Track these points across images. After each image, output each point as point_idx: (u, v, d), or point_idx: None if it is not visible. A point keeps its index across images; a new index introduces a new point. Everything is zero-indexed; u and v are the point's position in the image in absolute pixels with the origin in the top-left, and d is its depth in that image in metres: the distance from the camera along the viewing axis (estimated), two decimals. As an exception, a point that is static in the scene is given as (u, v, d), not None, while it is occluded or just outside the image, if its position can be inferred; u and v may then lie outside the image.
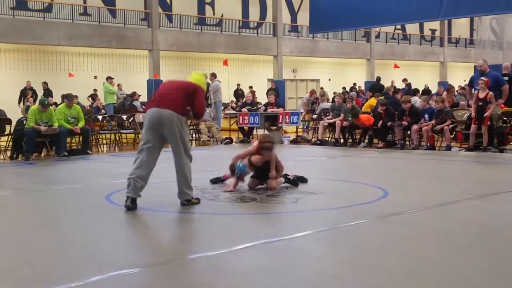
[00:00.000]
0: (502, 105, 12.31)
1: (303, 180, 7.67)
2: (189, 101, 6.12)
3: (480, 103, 11.51)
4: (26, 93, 21.40)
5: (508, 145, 11.96)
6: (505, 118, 12.16)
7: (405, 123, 12.56)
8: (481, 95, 11.53)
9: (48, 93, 21.57)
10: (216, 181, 7.74)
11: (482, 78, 11.80)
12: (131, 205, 5.90)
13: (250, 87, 27.48)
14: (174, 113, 5.97)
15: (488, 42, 27.53)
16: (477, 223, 5.41)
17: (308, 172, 8.21)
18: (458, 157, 11.15)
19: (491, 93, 11.47)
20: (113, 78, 20.98)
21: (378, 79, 22.03)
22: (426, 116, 12.40)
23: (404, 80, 24.95)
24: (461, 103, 14.33)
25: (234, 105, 24.01)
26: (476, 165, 10.32)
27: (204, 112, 6.54)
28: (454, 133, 12.71)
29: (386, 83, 23.90)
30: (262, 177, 7.30)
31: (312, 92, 24.60)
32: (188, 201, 6.17)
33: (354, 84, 31.81)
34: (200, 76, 6.57)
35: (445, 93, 15.53)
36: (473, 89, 12.23)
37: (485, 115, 11.37)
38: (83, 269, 4.07)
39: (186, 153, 6.26)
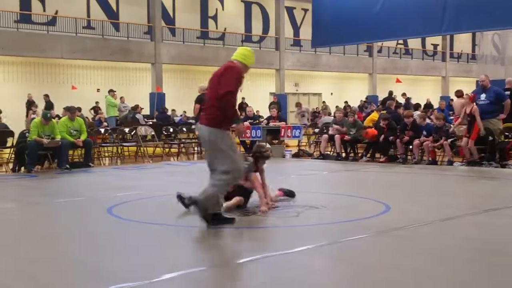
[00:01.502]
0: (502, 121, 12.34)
1: (291, 194, 7.61)
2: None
3: (469, 118, 11.59)
4: (32, 107, 21.44)
5: (509, 160, 11.94)
6: (507, 133, 12.17)
7: (406, 138, 12.57)
8: (468, 110, 11.62)
9: (49, 105, 21.62)
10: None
11: (467, 93, 11.94)
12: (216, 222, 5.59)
13: (250, 106, 27.50)
14: (208, 128, 5.44)
15: (490, 57, 27.59)
16: (479, 238, 5.40)
17: (310, 186, 8.21)
18: (459, 172, 11.14)
19: (475, 107, 11.54)
20: (115, 91, 21.06)
21: (391, 93, 22.10)
22: (424, 132, 12.40)
23: (403, 94, 24.98)
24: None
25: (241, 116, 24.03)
26: (477, 180, 10.30)
27: (228, 94, 5.60)
28: (456, 148, 12.71)
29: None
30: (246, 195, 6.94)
31: (299, 105, 24.53)
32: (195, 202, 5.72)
33: (366, 99, 31.55)
34: (244, 50, 5.96)
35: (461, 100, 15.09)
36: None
37: (479, 132, 11.43)
38: (83, 282, 4.07)
39: (218, 173, 5.48)
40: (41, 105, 22.00)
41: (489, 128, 11.70)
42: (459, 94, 14.98)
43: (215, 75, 5.65)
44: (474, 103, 11.73)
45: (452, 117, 18.51)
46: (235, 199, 6.71)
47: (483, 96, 12.10)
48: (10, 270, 4.51)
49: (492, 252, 4.87)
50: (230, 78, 5.54)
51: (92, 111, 25.46)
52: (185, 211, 6.74)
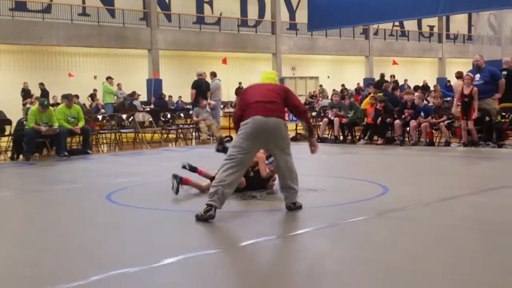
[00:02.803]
0: (498, 100, 12.35)
1: None
2: (284, 104, 5.99)
3: (466, 99, 11.57)
4: (27, 96, 21.41)
5: (507, 140, 11.98)
6: (504, 114, 12.18)
7: (408, 115, 12.53)
8: (466, 91, 11.60)
9: (44, 93, 21.57)
10: (191, 169, 7.21)
11: (468, 73, 11.88)
12: (214, 215, 5.45)
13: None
14: (281, 120, 5.81)
15: (486, 37, 27.49)
16: (477, 219, 5.44)
17: (309, 169, 8.23)
18: (456, 153, 11.18)
19: (475, 88, 11.53)
20: (113, 78, 20.98)
21: (382, 75, 22.04)
22: (422, 114, 12.42)
23: (392, 76, 24.93)
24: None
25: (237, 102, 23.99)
26: (475, 160, 10.35)
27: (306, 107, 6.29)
28: (453, 129, 12.75)
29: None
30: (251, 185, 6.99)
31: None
32: (294, 204, 5.85)
33: (358, 85, 31.54)
34: (274, 74, 6.56)
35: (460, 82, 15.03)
36: None
37: (474, 114, 11.42)
38: (84, 268, 4.10)
39: (290, 155, 5.92)
40: (36, 93, 21.96)
41: (485, 108, 11.72)
42: (459, 75, 14.98)
43: (271, 89, 6.06)
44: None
45: (449, 98, 18.52)
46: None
47: (477, 76, 12.08)
48: (14, 257, 4.54)
49: (490, 232, 4.92)
50: (298, 99, 6.36)
51: (90, 98, 25.42)
52: (183, 196, 6.79)
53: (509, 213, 5.67)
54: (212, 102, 15.65)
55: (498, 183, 7.36)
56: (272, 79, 6.36)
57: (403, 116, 12.65)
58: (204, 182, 7.01)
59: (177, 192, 6.79)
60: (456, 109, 12.48)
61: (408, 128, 12.88)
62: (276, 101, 5.87)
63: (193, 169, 7.20)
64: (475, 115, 11.49)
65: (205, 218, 5.40)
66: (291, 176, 5.84)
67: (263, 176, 6.97)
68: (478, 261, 4.07)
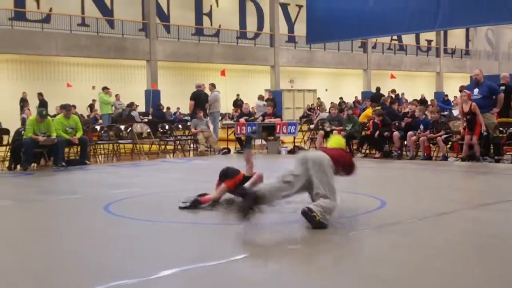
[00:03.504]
0: (496, 115, 12.39)
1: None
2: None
3: (468, 116, 11.61)
4: (24, 105, 21.41)
5: (504, 155, 12.01)
6: (501, 128, 12.21)
7: (408, 121, 12.60)
8: (466, 108, 11.64)
9: (43, 104, 21.56)
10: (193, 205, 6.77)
11: (465, 90, 11.95)
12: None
13: (246, 103, 27.55)
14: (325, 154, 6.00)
15: (484, 52, 27.63)
16: (475, 233, 5.44)
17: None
18: (454, 167, 11.19)
19: (473, 104, 11.57)
20: (109, 89, 20.95)
21: (378, 89, 22.13)
22: (422, 127, 12.45)
23: (393, 91, 25.03)
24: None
25: (235, 113, 24.00)
26: (472, 175, 10.37)
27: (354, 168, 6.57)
28: (450, 143, 12.78)
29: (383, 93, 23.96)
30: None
31: (262, 98, 24.42)
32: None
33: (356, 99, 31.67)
34: (342, 140, 6.97)
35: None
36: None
37: (482, 128, 11.45)
38: (82, 280, 4.09)
39: None
40: (35, 103, 21.97)
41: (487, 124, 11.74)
42: (462, 89, 15.05)
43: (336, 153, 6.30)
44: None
45: (446, 112, 18.58)
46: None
47: (476, 91, 12.14)
48: (11, 268, 4.52)
49: (487, 246, 4.92)
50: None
51: (89, 109, 25.45)
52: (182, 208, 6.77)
53: (506, 227, 5.67)
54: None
55: (496, 198, 7.37)
56: (340, 144, 6.68)
57: (402, 122, 12.68)
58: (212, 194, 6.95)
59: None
60: (453, 123, 12.53)
61: (405, 142, 12.89)
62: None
63: (195, 203, 6.79)
64: (483, 129, 11.49)
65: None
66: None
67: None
68: (477, 275, 4.07)
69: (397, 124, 13.20)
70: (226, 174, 7.07)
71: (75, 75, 28.20)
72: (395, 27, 15.99)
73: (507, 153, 12.24)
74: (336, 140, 6.81)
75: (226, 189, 6.91)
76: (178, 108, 26.51)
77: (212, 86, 16.81)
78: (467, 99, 11.69)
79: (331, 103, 20.36)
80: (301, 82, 37.13)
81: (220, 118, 18.65)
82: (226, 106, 25.81)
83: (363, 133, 14.09)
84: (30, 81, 26.41)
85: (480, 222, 5.92)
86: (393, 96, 23.54)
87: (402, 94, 27.75)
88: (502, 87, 13.17)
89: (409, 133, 12.51)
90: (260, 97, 21.79)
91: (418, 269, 4.23)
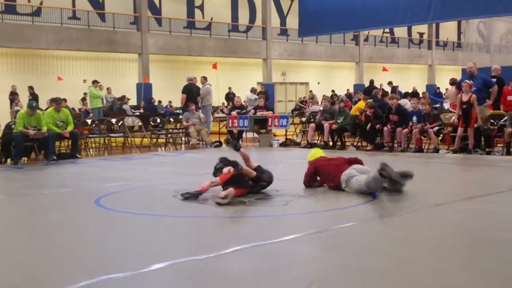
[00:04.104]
0: (491, 106, 12.42)
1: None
2: None
3: (464, 106, 11.58)
4: (14, 98, 21.25)
5: (495, 148, 12.04)
6: (492, 121, 12.24)
7: (394, 119, 12.54)
8: (465, 98, 11.60)
9: (34, 97, 21.43)
10: (192, 196, 6.86)
11: (466, 81, 11.88)
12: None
13: (238, 96, 27.50)
14: None
15: (476, 45, 27.68)
16: (466, 225, 5.45)
17: (298, 175, 8.21)
18: (445, 160, 11.22)
19: (474, 95, 11.55)
20: (99, 82, 20.84)
21: (372, 81, 22.14)
22: (415, 118, 12.45)
23: (390, 83, 25.04)
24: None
25: (227, 106, 23.96)
26: (463, 167, 10.39)
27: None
28: (441, 135, 12.80)
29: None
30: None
31: (254, 91, 24.34)
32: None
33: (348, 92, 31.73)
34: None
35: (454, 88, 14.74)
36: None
37: (478, 122, 11.44)
38: (72, 274, 4.06)
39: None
40: (25, 96, 21.82)
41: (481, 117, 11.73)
42: (453, 81, 15.07)
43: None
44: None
45: (438, 104, 18.62)
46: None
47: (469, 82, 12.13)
48: (0, 262, 4.50)
49: (477, 238, 4.93)
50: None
51: (81, 102, 25.34)
52: (172, 201, 6.76)
53: (496, 219, 5.69)
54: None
55: (487, 190, 7.39)
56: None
57: (389, 122, 12.67)
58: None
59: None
60: (444, 116, 12.53)
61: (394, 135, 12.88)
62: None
63: (196, 195, 6.87)
64: (478, 122, 11.50)
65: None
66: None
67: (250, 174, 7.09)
68: (468, 268, 4.07)
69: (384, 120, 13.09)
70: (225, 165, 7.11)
71: (66, 68, 28.06)
72: (388, 20, 15.98)
73: (498, 145, 12.28)
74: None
75: (219, 182, 6.91)
76: (170, 102, 26.44)
77: (204, 79, 16.76)
78: (469, 89, 11.62)
79: (323, 95, 20.35)
80: (293, 75, 37.12)
81: (212, 111, 18.61)
82: (218, 99, 25.80)
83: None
84: (21, 74, 26.25)
85: (472, 214, 5.93)
86: (390, 88, 23.58)
87: (397, 86, 27.78)
88: (494, 79, 13.20)
89: (398, 129, 12.49)
90: (253, 90, 21.75)
91: (410, 262, 4.23)
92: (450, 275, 3.91)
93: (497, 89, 12.43)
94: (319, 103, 20.23)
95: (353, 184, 6.96)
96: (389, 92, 19.35)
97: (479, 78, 12.23)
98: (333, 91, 31.60)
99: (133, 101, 25.46)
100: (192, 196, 6.78)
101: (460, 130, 11.66)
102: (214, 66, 23.71)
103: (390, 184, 6.91)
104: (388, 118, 12.80)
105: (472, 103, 11.47)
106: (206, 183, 6.92)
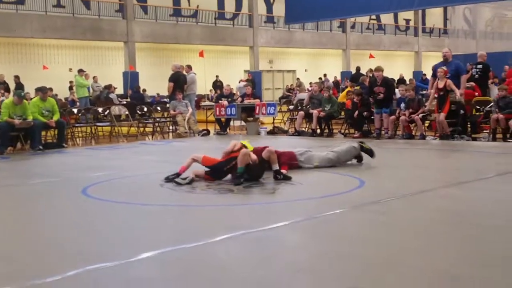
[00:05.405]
0: (478, 91, 12.38)
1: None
2: None
3: (441, 93, 11.60)
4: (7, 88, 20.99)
5: (481, 133, 12.11)
6: (478, 107, 12.31)
7: (380, 92, 12.54)
8: (440, 84, 11.63)
9: (19, 87, 21.19)
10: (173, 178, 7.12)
11: (441, 67, 11.87)
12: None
13: (228, 85, 27.41)
14: None
15: (462, 31, 27.80)
16: (452, 211, 5.49)
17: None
18: (432, 146, 11.28)
19: (449, 81, 11.55)
20: (85, 71, 20.65)
21: (358, 69, 22.15)
22: (403, 105, 12.46)
23: (370, 70, 25.01)
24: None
25: (214, 94, 23.86)
26: (450, 153, 10.45)
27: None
28: (428, 122, 12.84)
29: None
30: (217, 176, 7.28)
31: (243, 80, 24.30)
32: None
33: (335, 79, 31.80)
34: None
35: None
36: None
37: (458, 97, 11.48)
38: (59, 263, 4.06)
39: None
40: (11, 86, 21.59)
41: (460, 102, 11.78)
42: (434, 68, 15.07)
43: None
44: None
45: (425, 91, 18.68)
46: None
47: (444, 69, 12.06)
48: (-15, 253, 4.48)
49: (464, 224, 4.97)
50: None
51: (70, 91, 25.15)
52: (160, 190, 6.76)
53: (482, 205, 5.73)
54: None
55: (473, 176, 7.45)
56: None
57: (378, 95, 12.59)
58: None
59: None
60: (431, 104, 12.57)
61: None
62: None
63: (176, 176, 7.15)
64: (458, 97, 11.49)
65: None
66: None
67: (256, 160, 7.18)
68: (455, 254, 4.11)
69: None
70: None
71: (51, 57, 27.82)
72: (374, 7, 16.01)
73: (484, 131, 12.36)
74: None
75: (201, 160, 7.21)
76: (158, 94, 26.26)
77: (189, 67, 16.66)
78: (444, 75, 11.65)
79: (310, 83, 20.34)
80: (281, 62, 37.06)
81: (196, 99, 18.51)
82: (205, 87, 25.69)
83: (342, 113, 14.14)
84: (5, 64, 25.98)
85: (458, 200, 5.98)
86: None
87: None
88: (480, 66, 13.24)
89: (384, 115, 12.52)
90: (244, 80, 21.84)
91: (397, 247, 4.27)
92: (436, 259, 3.94)
93: (466, 78, 12.32)
94: (306, 91, 20.23)
95: (314, 157, 8.16)
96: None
97: (453, 64, 12.16)
98: (325, 75, 31.67)
99: (119, 90, 25.31)
100: (175, 176, 7.04)
101: (437, 116, 11.64)
102: (201, 54, 23.60)
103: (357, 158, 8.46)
104: (371, 89, 12.80)
105: (448, 89, 11.51)
106: (187, 161, 7.19)
